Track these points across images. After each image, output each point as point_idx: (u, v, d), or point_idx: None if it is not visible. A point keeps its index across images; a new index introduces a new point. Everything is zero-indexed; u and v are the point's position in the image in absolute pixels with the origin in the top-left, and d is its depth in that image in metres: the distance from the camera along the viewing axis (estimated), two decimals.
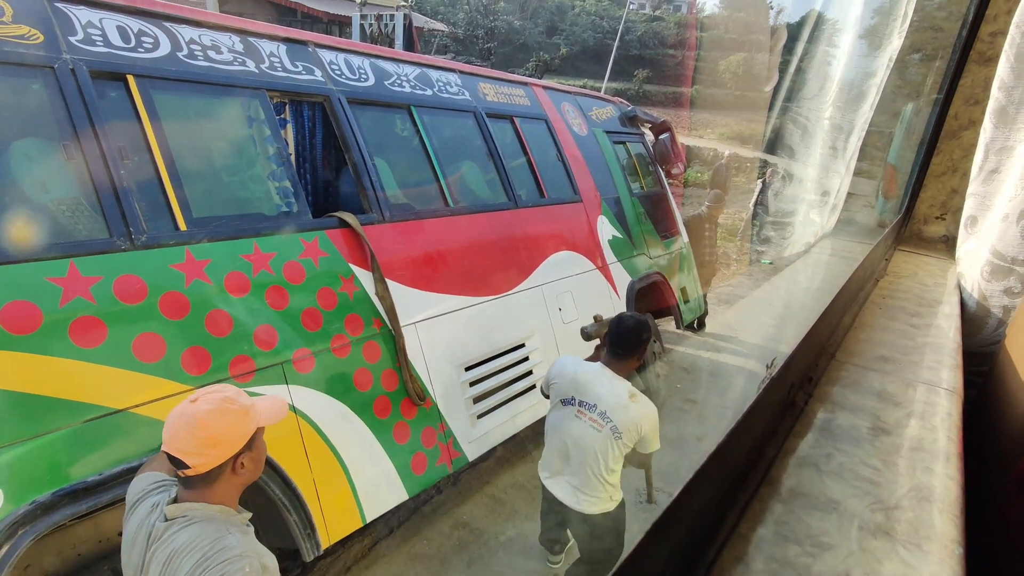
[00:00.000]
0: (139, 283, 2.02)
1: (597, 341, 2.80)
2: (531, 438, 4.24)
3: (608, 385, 2.38)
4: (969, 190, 1.57)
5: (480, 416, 3.30)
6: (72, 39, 2.09)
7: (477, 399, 3.30)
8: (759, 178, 12.31)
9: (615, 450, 2.37)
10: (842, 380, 1.14)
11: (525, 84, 4.49)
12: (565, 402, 2.47)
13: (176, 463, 1.28)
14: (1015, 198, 1.32)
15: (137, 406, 1.95)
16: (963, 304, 1.53)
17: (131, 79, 2.21)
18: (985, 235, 1.50)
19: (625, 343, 2.41)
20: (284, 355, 2.40)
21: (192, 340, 2.12)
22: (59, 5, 2.11)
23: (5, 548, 1.64)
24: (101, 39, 2.18)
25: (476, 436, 3.23)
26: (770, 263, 9.80)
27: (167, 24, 2.43)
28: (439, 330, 3.11)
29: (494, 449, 3.54)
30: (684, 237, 5.91)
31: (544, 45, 28.41)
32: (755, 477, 1.08)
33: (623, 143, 5.33)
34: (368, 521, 2.61)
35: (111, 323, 1.93)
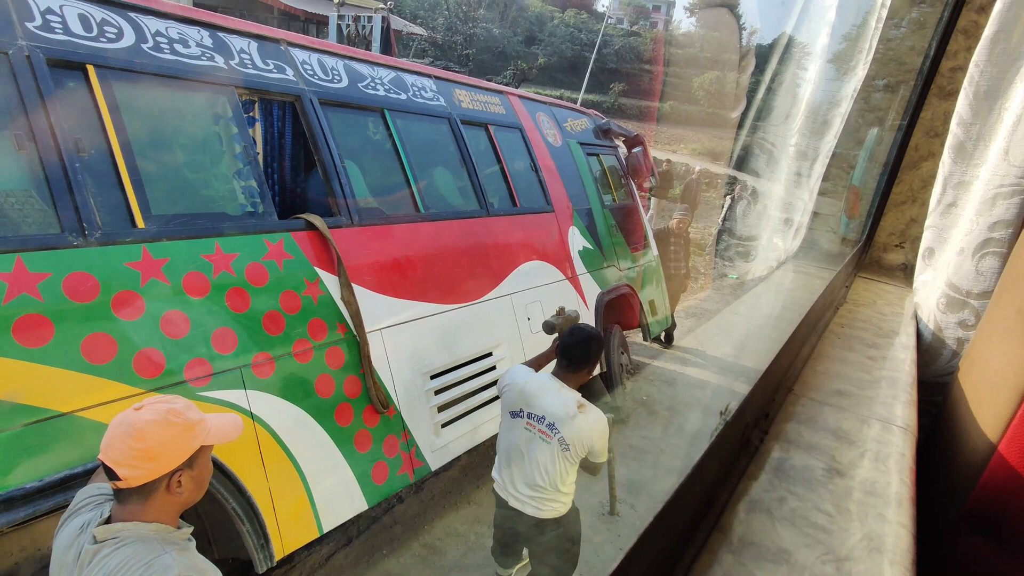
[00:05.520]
0: (91, 281, 1.94)
1: (557, 336, 2.78)
2: (489, 455, 4.21)
3: (557, 396, 2.38)
4: (927, 222, 1.62)
5: (444, 425, 3.25)
6: (29, 25, 2.01)
7: (442, 408, 3.26)
8: (727, 194, 12.55)
9: (564, 462, 2.38)
10: (798, 416, 1.12)
11: (501, 92, 4.48)
12: (514, 414, 2.47)
13: (109, 473, 1.21)
14: (970, 233, 1.36)
15: (83, 409, 1.87)
16: (919, 334, 1.56)
17: (91, 69, 2.13)
18: (941, 267, 1.54)
19: (576, 354, 2.43)
20: (243, 359, 2.33)
21: (146, 342, 2.04)
22: None
23: None
24: (60, 26, 2.10)
25: (440, 445, 3.19)
26: (736, 278, 9.98)
27: (132, 14, 2.35)
28: (405, 337, 3.06)
29: (458, 458, 3.49)
30: (654, 250, 5.97)
31: (522, 54, 28.55)
32: (706, 525, 1.05)
33: (596, 155, 5.37)
34: (325, 531, 2.55)
35: (59, 322, 1.85)
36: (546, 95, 6.65)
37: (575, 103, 7.01)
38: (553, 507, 2.46)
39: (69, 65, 2.08)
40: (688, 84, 28.18)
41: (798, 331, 1.29)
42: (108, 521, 1.25)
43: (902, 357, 1.43)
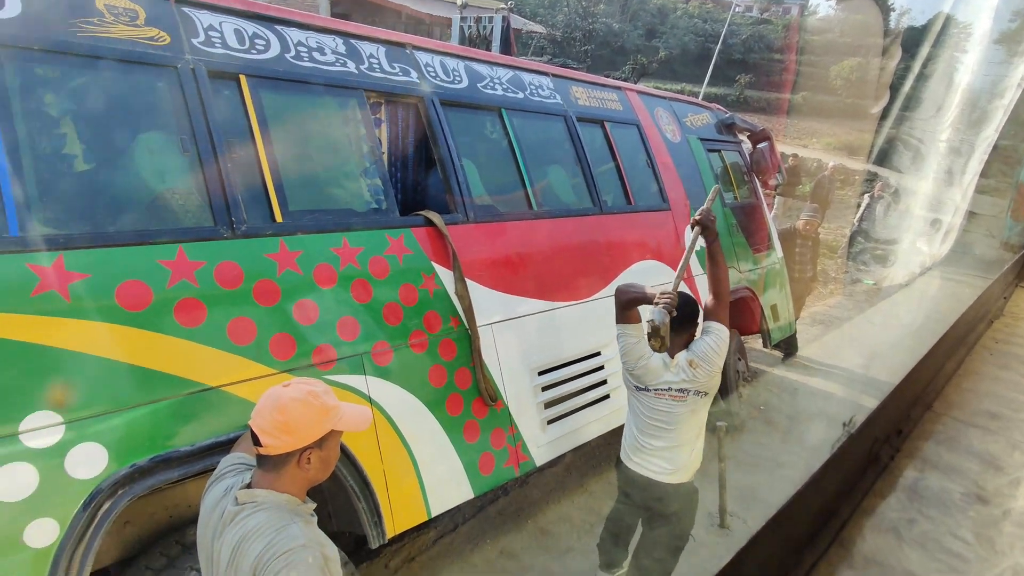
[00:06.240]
0: (237, 269, 2.15)
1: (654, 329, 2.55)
2: (601, 448, 4.18)
3: (671, 369, 2.57)
4: None
5: (551, 421, 3.27)
6: (194, 41, 2.26)
7: (548, 404, 3.28)
8: (864, 192, 11.51)
9: (703, 405, 2.59)
10: (937, 435, 1.01)
11: (618, 88, 4.41)
12: (640, 388, 2.62)
13: (254, 437, 1.36)
14: None
15: (227, 385, 2.08)
16: None
17: (243, 79, 2.35)
18: None
19: (679, 318, 2.56)
20: (364, 347, 2.48)
21: (280, 326, 2.23)
22: (185, 9, 2.28)
23: (106, 505, 1.79)
24: (220, 41, 2.34)
25: (545, 441, 3.21)
26: (873, 283, 9.13)
27: (278, 27, 2.57)
28: (515, 332, 3.11)
29: (563, 456, 3.50)
30: (778, 252, 5.62)
31: (642, 48, 27.86)
32: (826, 537, 0.97)
33: (718, 151, 5.14)
34: (433, 515, 2.66)
35: (210, 305, 2.07)
36: (666, 89, 6.46)
37: (696, 97, 6.77)
38: (688, 470, 2.60)
39: (225, 76, 2.32)
40: (824, 73, 26.11)
41: (941, 344, 1.17)
42: (249, 486, 1.40)
43: None
